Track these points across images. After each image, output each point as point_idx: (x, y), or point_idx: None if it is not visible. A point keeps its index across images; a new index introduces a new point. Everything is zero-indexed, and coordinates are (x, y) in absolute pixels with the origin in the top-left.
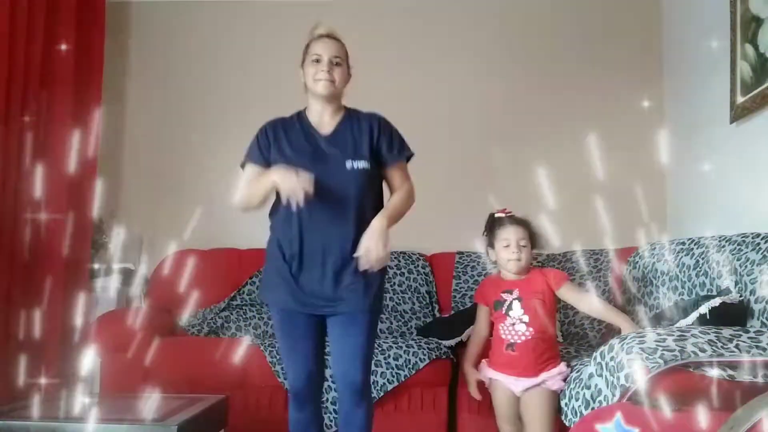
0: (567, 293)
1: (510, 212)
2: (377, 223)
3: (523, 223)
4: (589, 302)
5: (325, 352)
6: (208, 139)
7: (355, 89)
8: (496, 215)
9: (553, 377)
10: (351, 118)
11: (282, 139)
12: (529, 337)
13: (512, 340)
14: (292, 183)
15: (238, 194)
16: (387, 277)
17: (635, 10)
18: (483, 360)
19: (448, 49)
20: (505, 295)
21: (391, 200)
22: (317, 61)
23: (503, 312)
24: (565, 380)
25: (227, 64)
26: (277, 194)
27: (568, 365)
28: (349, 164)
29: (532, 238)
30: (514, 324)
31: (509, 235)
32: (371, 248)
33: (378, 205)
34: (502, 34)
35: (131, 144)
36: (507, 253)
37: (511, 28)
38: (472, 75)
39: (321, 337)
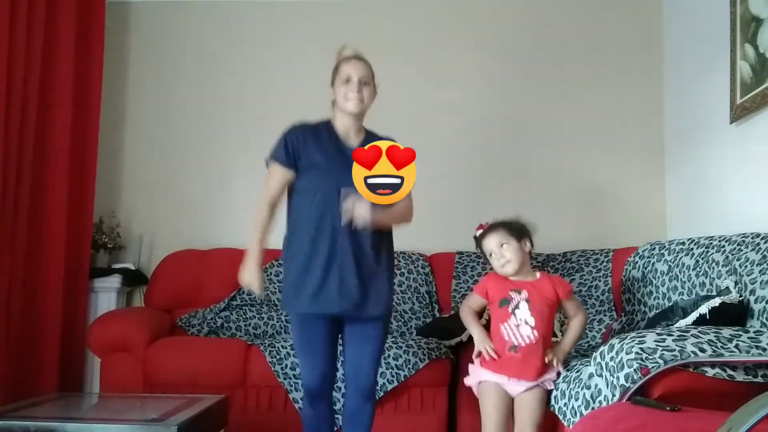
0: (567, 303)
1: (486, 225)
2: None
3: (498, 226)
4: (574, 320)
5: (337, 352)
6: (207, 139)
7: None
8: (477, 235)
9: (551, 378)
10: (371, 139)
11: (311, 145)
12: (534, 341)
13: (516, 342)
14: (245, 281)
15: (259, 204)
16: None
17: (635, 10)
18: (475, 360)
19: (447, 50)
20: (513, 294)
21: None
22: (348, 81)
23: (509, 310)
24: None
25: (227, 64)
26: (292, 197)
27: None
28: None
29: (516, 231)
30: (518, 326)
31: (490, 244)
32: (357, 208)
33: None
34: (501, 36)
35: (131, 144)
36: (495, 262)
37: (510, 30)
38: (471, 76)
39: (336, 337)
